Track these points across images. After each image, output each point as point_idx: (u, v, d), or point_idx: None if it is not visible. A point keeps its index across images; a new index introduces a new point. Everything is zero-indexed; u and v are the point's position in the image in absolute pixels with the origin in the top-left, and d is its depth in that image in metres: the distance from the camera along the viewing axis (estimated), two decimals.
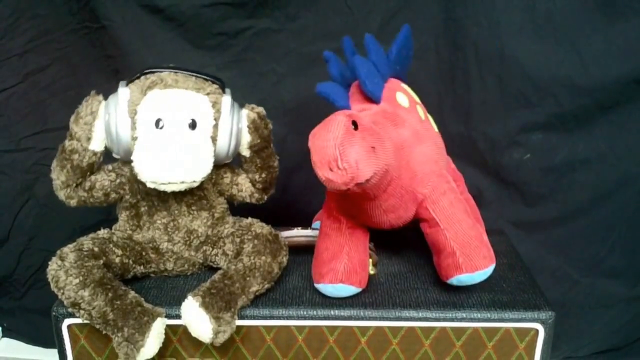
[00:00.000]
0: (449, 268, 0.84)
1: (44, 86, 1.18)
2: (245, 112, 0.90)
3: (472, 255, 0.83)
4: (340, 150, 0.70)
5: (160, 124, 0.84)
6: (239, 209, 0.98)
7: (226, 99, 0.88)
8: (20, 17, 1.12)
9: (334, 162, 0.70)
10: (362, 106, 0.84)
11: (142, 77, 0.87)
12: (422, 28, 1.07)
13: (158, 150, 0.82)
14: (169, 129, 0.84)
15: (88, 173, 0.88)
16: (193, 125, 0.85)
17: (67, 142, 0.87)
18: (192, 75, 0.88)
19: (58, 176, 0.88)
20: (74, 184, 0.88)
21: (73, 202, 0.90)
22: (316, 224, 1.07)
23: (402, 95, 0.90)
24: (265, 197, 0.96)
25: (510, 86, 1.10)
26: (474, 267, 0.83)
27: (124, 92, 0.84)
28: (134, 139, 0.84)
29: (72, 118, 0.86)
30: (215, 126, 0.87)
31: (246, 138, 0.89)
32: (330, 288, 0.86)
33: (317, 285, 0.88)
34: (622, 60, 1.06)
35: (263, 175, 0.93)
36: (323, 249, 0.89)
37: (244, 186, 0.94)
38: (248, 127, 0.89)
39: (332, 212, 0.88)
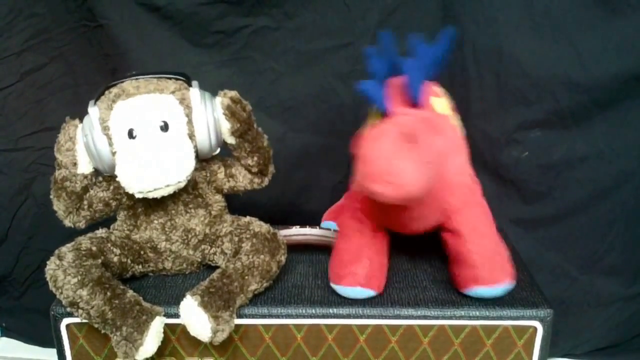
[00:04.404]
0: (468, 280, 0.84)
1: (41, 85, 1.18)
2: (218, 99, 0.88)
3: (493, 270, 0.83)
4: (394, 164, 0.68)
5: (133, 134, 0.84)
6: (237, 207, 0.98)
7: (194, 92, 0.87)
8: (17, 15, 1.12)
9: (387, 176, 0.68)
10: (403, 110, 0.82)
11: (106, 92, 0.87)
12: (420, 26, 1.07)
13: (136, 160, 0.82)
14: (142, 137, 0.84)
15: (84, 195, 0.89)
16: (165, 127, 0.85)
17: (56, 172, 0.88)
18: (153, 78, 0.88)
19: (58, 207, 0.89)
20: (75, 209, 0.89)
21: (82, 225, 0.91)
22: (325, 223, 1.06)
23: (438, 101, 0.89)
24: (267, 180, 0.95)
25: (508, 84, 1.10)
26: (494, 281, 0.83)
27: (93, 111, 0.85)
28: (114, 154, 0.85)
29: (55, 147, 0.87)
30: (189, 122, 0.86)
31: (225, 125, 0.88)
32: (348, 291, 0.85)
33: (334, 286, 0.87)
34: (620, 57, 1.06)
35: (255, 158, 0.91)
36: (343, 250, 0.88)
37: (240, 175, 0.93)
38: (224, 113, 0.87)
39: (356, 213, 0.87)
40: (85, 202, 0.89)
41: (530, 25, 1.06)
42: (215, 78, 0.94)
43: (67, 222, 0.90)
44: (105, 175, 0.90)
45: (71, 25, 1.14)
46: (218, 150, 0.91)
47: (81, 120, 0.87)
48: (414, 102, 0.82)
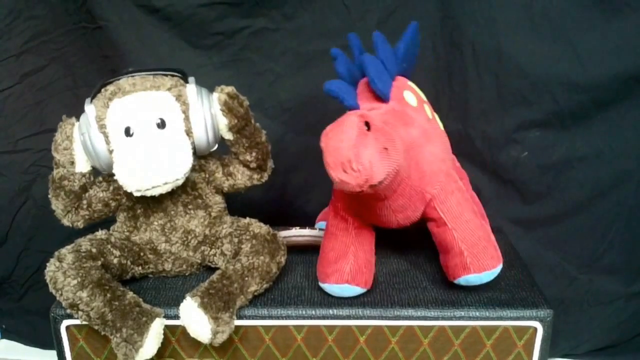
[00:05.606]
0: (457, 268, 0.84)
1: (41, 87, 1.18)
2: (215, 95, 0.88)
3: (479, 256, 0.83)
4: (354, 151, 0.69)
5: (130, 132, 0.84)
6: (237, 208, 0.98)
7: (190, 89, 0.87)
8: (17, 17, 1.12)
9: (347, 164, 0.69)
10: (371, 105, 0.83)
11: (102, 90, 0.86)
12: (419, 26, 1.07)
13: (133, 158, 0.82)
14: (139, 135, 0.84)
15: (83, 194, 0.89)
16: (162, 124, 0.85)
17: (54, 172, 0.88)
18: (149, 75, 0.87)
19: (56, 205, 0.89)
20: (73, 208, 0.89)
21: (80, 224, 0.91)
22: (320, 224, 1.07)
23: (410, 94, 0.89)
24: (266, 175, 0.95)
25: (507, 84, 1.10)
26: (482, 268, 0.83)
27: (90, 109, 0.85)
28: (112, 152, 0.85)
29: (52, 147, 0.87)
30: (186, 118, 0.86)
31: (223, 121, 0.88)
32: (335, 288, 0.86)
33: (322, 285, 0.87)
34: (618, 57, 1.06)
35: (254, 153, 0.91)
36: (329, 248, 0.88)
37: (238, 173, 0.93)
38: (221, 109, 0.87)
39: (339, 211, 0.88)
40: (85, 202, 0.89)
41: (529, 26, 1.06)
42: (215, 79, 0.93)
43: (65, 221, 0.90)
44: (104, 175, 0.90)
45: (70, 27, 1.14)
46: (216, 146, 0.91)
47: (78, 119, 0.87)
48: (380, 96, 0.83)
